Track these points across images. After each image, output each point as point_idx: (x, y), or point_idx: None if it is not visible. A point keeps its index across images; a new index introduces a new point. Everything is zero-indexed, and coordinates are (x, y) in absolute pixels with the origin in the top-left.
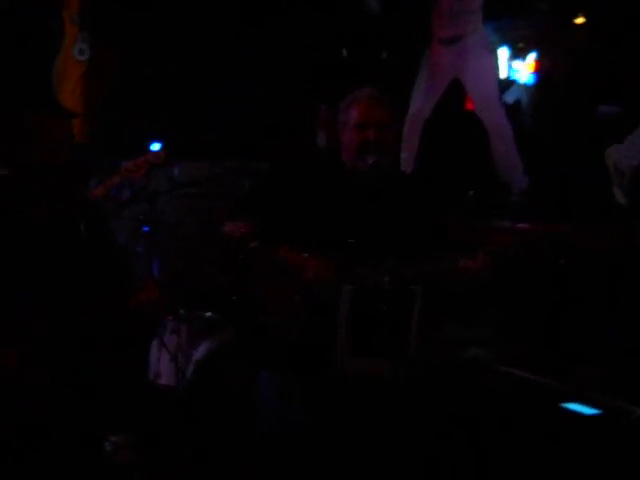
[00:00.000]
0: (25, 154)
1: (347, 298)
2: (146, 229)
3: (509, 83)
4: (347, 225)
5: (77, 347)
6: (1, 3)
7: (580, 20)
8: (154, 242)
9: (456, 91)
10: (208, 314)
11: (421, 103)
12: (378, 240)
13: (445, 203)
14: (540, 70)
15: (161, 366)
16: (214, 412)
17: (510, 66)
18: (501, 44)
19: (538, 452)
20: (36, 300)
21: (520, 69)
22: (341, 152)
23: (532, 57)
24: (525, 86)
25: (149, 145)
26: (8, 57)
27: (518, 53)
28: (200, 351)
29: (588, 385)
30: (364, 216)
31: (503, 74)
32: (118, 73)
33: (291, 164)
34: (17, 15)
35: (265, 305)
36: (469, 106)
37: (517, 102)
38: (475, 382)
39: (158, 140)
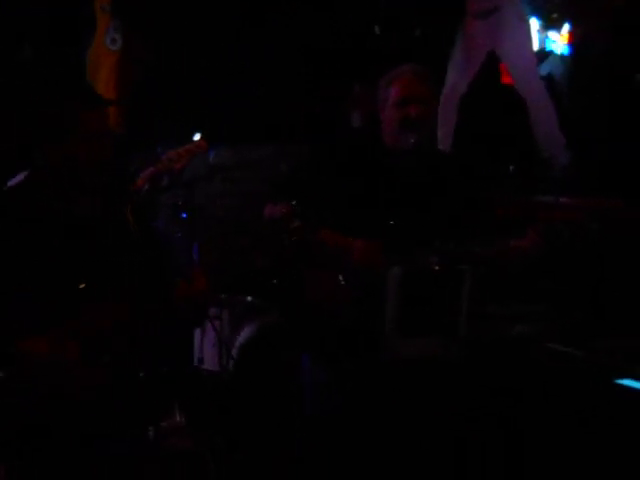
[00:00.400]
0: (63, 149)
1: (395, 280)
2: (184, 215)
3: (543, 55)
4: (390, 206)
5: (132, 338)
6: None
7: None
8: (193, 228)
9: (491, 65)
10: (249, 298)
11: (456, 79)
12: (422, 221)
13: (486, 180)
14: (575, 41)
15: (204, 352)
16: (259, 396)
17: (544, 37)
18: (533, 14)
19: (593, 429)
20: (93, 292)
21: (555, 40)
22: (380, 131)
23: (566, 28)
24: (560, 57)
25: (186, 133)
26: (38, 49)
27: (552, 24)
28: (243, 336)
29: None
30: (407, 196)
31: (535, 46)
32: (151, 61)
33: (330, 146)
34: (48, 4)
35: (309, 288)
36: (505, 80)
37: (550, 74)
38: (523, 359)
39: (195, 128)
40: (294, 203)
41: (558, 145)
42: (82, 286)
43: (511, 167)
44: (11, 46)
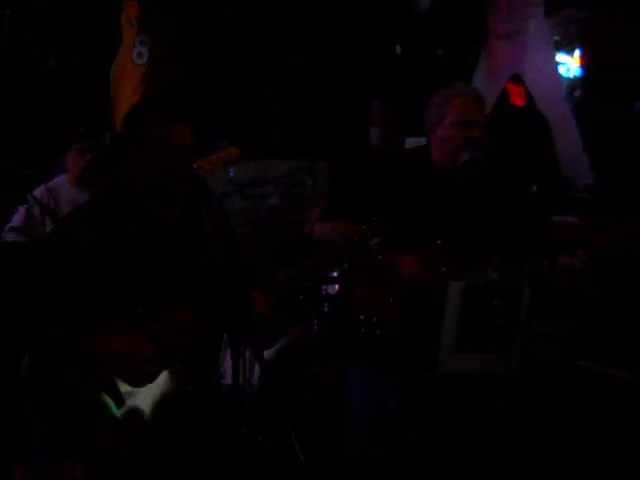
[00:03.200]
0: (150, 160)
1: (456, 295)
2: None
3: None
4: (439, 225)
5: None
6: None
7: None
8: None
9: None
10: None
11: None
12: (474, 238)
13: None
14: (586, 64)
15: (226, 365)
16: (290, 409)
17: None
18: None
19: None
20: (175, 293)
21: (564, 62)
22: (430, 148)
23: (578, 52)
24: (570, 80)
25: (216, 142)
26: (62, 61)
27: (558, 46)
28: (268, 350)
29: None
30: (461, 212)
31: None
32: (176, 75)
33: (377, 162)
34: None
35: (358, 300)
36: (514, 101)
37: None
38: (559, 378)
39: (226, 137)
40: (375, 220)
41: (582, 166)
42: (164, 289)
43: (534, 187)
44: (36, 57)
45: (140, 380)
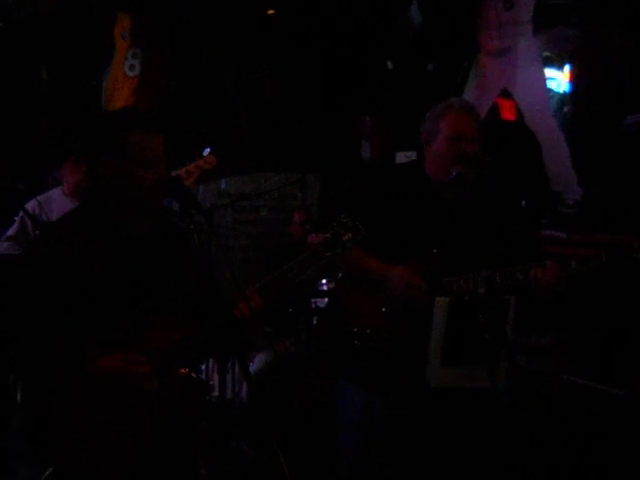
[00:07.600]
0: (122, 167)
1: (442, 310)
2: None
3: None
4: (433, 235)
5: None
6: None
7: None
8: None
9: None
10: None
11: None
12: (464, 250)
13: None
14: (575, 80)
15: (214, 380)
16: (277, 421)
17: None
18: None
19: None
20: (153, 307)
21: (554, 77)
22: (424, 162)
23: (567, 67)
24: (560, 95)
25: (199, 152)
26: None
27: (547, 62)
28: (256, 364)
29: None
30: (450, 226)
31: None
32: (168, 87)
33: (371, 175)
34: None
35: (352, 312)
36: (505, 115)
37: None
38: (546, 392)
39: (206, 146)
40: (343, 217)
41: (570, 181)
42: (142, 303)
43: (523, 202)
44: (28, 68)
45: (140, 400)
